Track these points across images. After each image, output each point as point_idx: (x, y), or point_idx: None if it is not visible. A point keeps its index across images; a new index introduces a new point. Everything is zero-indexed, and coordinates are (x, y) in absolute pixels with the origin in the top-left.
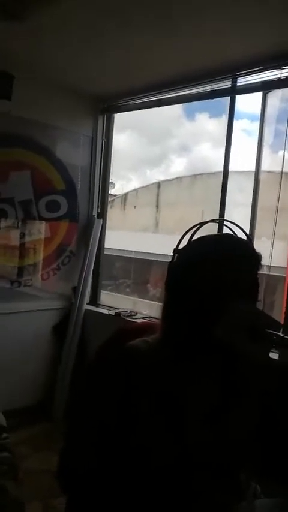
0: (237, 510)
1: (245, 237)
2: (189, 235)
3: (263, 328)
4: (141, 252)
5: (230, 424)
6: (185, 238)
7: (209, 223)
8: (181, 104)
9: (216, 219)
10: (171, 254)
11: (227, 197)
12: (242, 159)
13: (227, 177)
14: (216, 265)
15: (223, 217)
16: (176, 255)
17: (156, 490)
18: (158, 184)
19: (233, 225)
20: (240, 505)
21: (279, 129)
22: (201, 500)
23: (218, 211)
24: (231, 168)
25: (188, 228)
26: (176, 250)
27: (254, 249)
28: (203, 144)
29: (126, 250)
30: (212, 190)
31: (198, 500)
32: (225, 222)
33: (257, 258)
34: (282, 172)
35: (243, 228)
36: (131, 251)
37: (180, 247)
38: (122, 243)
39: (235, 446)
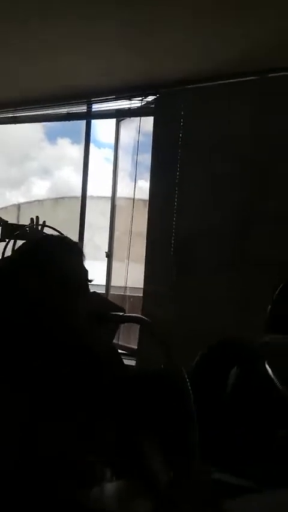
0: (90, 495)
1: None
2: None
3: (108, 312)
4: None
5: (76, 419)
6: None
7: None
8: (42, 128)
9: (31, 224)
10: None
11: (90, 221)
12: (104, 186)
13: (85, 201)
14: (41, 266)
15: (83, 239)
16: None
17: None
18: (18, 206)
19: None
20: (93, 490)
21: (137, 159)
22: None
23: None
24: (95, 193)
25: None
26: None
27: (75, 243)
28: (65, 168)
29: None
30: (75, 213)
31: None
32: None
33: (79, 250)
34: (134, 198)
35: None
36: None
37: None
38: None
39: (84, 441)
